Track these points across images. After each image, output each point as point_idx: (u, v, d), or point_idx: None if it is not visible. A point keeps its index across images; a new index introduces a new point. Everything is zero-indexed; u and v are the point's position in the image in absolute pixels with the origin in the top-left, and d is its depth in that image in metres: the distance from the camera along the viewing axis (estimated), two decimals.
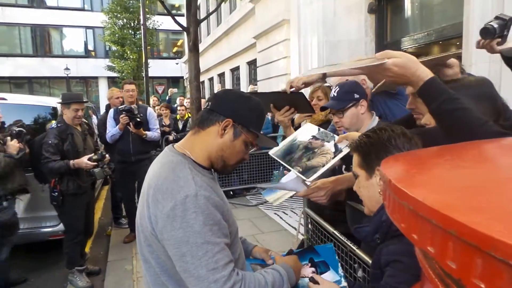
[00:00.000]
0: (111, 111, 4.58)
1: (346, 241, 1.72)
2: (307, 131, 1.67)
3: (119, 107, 4.37)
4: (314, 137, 1.60)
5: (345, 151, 1.44)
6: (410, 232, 0.47)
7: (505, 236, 0.32)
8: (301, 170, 1.46)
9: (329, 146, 1.50)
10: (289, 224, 4.74)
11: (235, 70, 13.71)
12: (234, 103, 1.27)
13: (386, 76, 1.16)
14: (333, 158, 1.46)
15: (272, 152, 1.70)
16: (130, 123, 4.22)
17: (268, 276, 1.19)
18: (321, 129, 1.64)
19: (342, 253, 1.76)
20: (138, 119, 4.24)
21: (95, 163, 3.31)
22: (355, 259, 1.64)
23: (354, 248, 1.64)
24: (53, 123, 3.48)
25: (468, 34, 3.66)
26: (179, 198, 1.08)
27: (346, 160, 1.81)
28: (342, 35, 5.97)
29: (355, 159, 1.26)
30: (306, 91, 2.50)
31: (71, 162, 3.20)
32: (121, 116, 4.22)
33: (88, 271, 3.79)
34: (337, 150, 1.49)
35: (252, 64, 11.66)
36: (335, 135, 1.54)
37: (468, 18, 3.65)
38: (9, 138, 3.19)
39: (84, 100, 3.51)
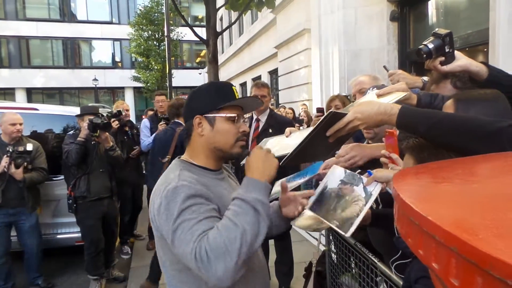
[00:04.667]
0: (145, 120, 4.89)
1: (368, 254, 1.69)
2: (335, 176, 1.59)
3: (160, 115, 4.75)
4: (342, 182, 1.52)
5: (375, 194, 1.40)
6: (416, 247, 0.47)
7: (504, 255, 0.32)
8: (338, 224, 1.40)
9: (359, 191, 1.44)
10: (310, 234, 4.68)
11: (256, 79, 13.82)
12: (188, 103, 1.36)
13: (357, 127, 1.18)
14: (365, 205, 1.41)
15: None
16: None
17: (228, 213, 1.13)
18: (347, 171, 1.55)
19: (363, 266, 1.73)
20: None
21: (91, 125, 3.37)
22: (377, 273, 1.61)
23: (376, 261, 1.61)
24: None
25: (494, 41, 3.55)
26: (163, 195, 1.17)
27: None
28: (364, 43, 5.92)
29: (410, 163, 1.16)
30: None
31: (78, 138, 3.39)
32: (160, 123, 4.52)
33: (113, 277, 3.90)
34: (367, 194, 1.43)
35: (274, 73, 11.72)
36: (362, 177, 1.48)
37: (494, 24, 3.55)
38: (12, 165, 3.39)
39: (94, 112, 3.65)
